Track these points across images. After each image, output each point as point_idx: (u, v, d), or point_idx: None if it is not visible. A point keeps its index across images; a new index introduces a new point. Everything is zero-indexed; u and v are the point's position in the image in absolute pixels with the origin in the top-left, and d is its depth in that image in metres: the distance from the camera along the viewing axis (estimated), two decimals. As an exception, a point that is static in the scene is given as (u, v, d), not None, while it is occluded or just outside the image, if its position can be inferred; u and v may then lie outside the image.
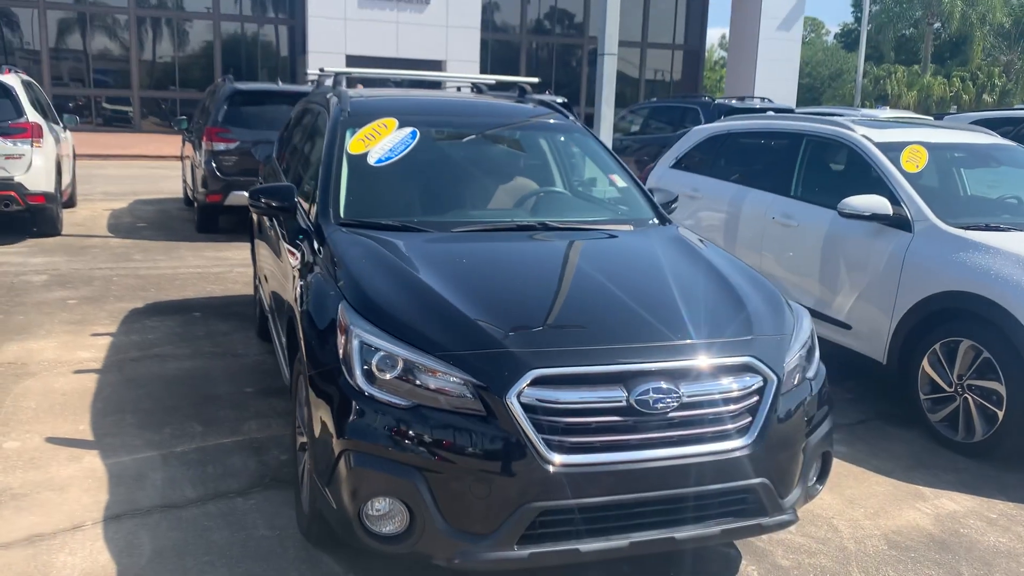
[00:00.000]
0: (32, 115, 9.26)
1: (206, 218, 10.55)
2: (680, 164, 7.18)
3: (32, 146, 9.10)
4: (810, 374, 3.27)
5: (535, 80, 5.39)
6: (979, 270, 4.58)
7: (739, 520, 3.00)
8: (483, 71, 26.74)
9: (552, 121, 4.84)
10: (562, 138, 4.83)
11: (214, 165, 9.86)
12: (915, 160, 5.35)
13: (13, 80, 9.40)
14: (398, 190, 4.23)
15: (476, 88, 5.97)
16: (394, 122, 4.34)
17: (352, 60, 24.19)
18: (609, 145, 12.00)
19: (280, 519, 3.69)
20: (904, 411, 5.14)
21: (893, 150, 5.41)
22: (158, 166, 18.47)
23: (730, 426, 2.94)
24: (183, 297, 7.38)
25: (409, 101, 4.98)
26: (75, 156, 12.35)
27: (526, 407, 2.74)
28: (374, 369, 2.86)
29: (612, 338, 2.96)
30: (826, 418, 3.30)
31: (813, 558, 3.57)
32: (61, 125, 11.35)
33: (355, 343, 2.91)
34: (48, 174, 9.38)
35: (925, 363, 4.83)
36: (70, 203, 11.78)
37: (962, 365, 4.66)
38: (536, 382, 2.76)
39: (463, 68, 25.11)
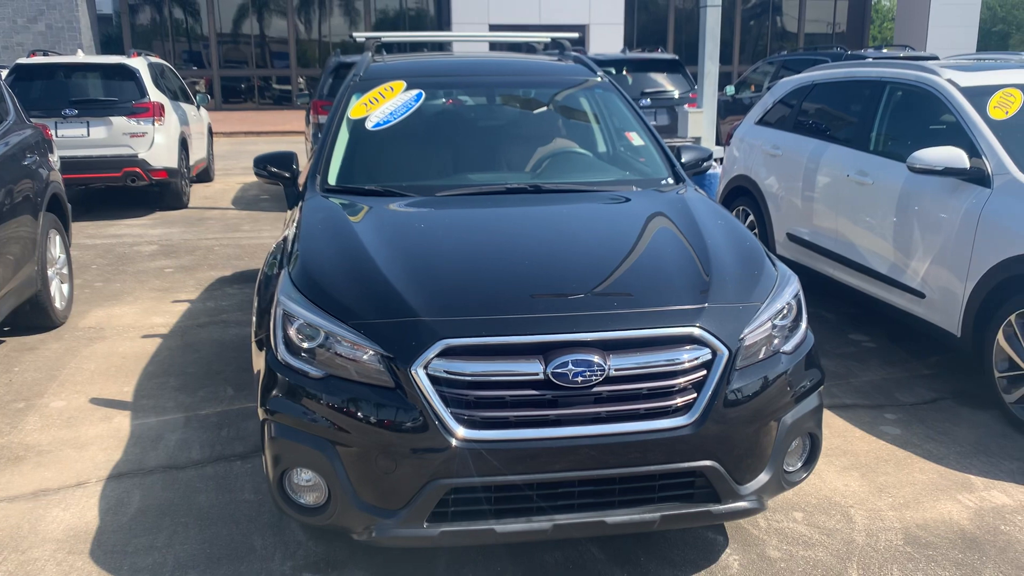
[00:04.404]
0: (154, 95, 9.85)
1: None
2: (764, 120, 6.67)
3: (154, 124, 9.69)
4: (787, 347, 2.92)
5: (575, 36, 5.12)
6: (1060, 230, 3.97)
7: (683, 506, 2.74)
8: (628, 34, 26.08)
9: (576, 78, 4.59)
10: (584, 95, 4.56)
11: (320, 136, 10.13)
12: (1005, 105, 4.68)
13: (139, 63, 10.03)
14: (397, 155, 4.14)
15: (528, 47, 5.77)
16: (402, 84, 4.25)
17: (495, 29, 24.18)
18: (714, 100, 11.54)
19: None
20: (981, 391, 4.57)
21: (980, 95, 4.76)
22: (303, 141, 19.29)
23: (671, 402, 2.68)
24: (271, 266, 7.63)
25: (428, 63, 4.86)
26: (211, 133, 13.06)
27: (434, 379, 2.60)
28: (294, 339, 2.80)
29: (534, 307, 2.74)
30: (809, 395, 2.95)
31: (809, 551, 3.22)
32: (195, 104, 12.03)
33: (279, 312, 2.87)
34: (170, 150, 9.96)
35: (1000, 336, 4.25)
36: (205, 177, 12.53)
37: (1039, 339, 4.07)
38: (447, 353, 2.61)
39: (607, 32, 24.59)
